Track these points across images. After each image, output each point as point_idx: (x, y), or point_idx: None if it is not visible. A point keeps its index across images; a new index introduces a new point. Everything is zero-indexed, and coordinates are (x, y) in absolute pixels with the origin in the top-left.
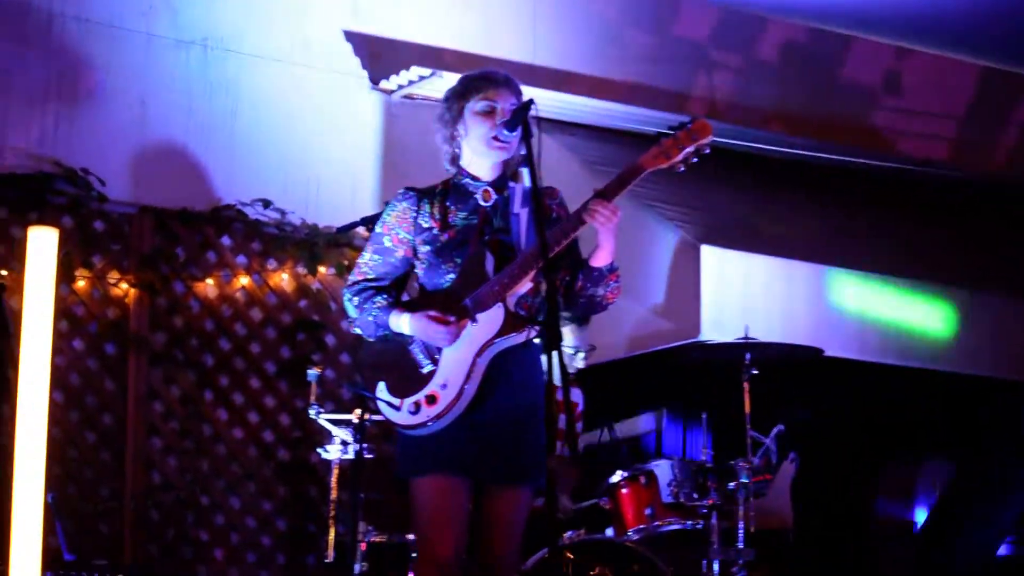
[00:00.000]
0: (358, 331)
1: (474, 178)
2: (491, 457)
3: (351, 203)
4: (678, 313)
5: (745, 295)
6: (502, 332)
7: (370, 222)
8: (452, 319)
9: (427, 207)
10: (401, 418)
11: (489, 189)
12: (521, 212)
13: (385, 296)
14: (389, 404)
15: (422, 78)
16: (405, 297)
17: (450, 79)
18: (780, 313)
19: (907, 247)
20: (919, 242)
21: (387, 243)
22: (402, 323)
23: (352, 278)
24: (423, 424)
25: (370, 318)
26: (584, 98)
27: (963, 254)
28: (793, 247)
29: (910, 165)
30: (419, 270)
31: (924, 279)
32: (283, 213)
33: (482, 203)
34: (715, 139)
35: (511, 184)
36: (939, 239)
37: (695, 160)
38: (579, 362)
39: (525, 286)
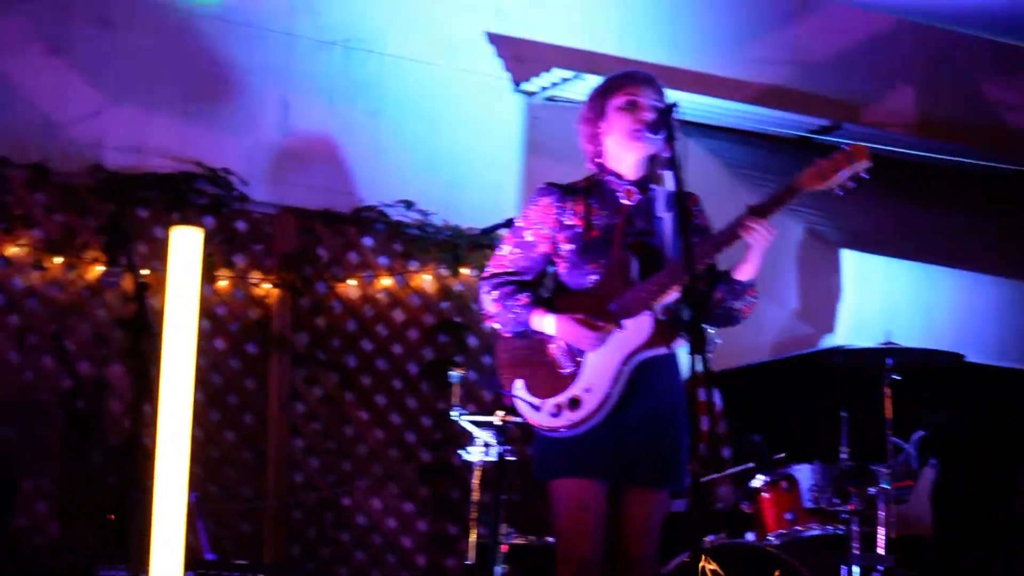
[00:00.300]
0: (496, 326)
1: (617, 176)
2: (630, 460)
3: (494, 204)
4: (818, 318)
5: (886, 300)
6: (651, 343)
7: (512, 223)
8: (601, 325)
9: (571, 204)
10: (541, 419)
11: (632, 188)
12: (665, 216)
13: (528, 293)
14: (529, 404)
15: (565, 80)
16: (543, 294)
17: (592, 81)
18: (921, 318)
19: None
20: None
21: (528, 237)
22: (546, 324)
23: (490, 270)
24: (565, 427)
25: (511, 315)
26: (726, 101)
27: None
28: (934, 252)
29: None
30: (559, 268)
31: None
32: (425, 214)
33: (625, 202)
34: (856, 142)
35: (653, 187)
36: None
37: (852, 185)
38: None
39: (672, 295)
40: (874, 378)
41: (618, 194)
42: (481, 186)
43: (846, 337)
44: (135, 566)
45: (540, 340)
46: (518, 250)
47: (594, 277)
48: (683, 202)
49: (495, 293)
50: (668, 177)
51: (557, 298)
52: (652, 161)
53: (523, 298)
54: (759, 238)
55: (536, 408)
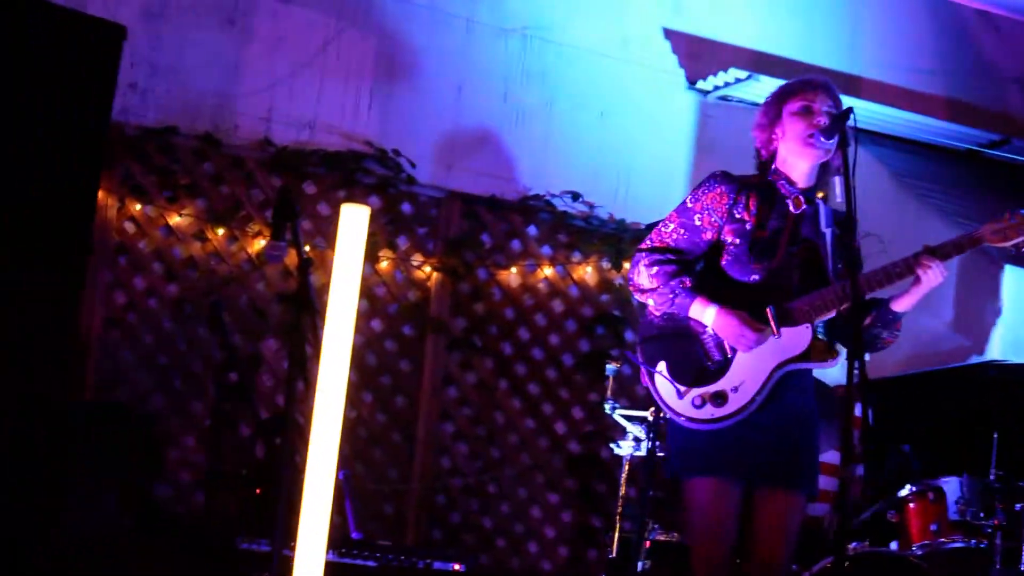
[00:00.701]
0: (649, 302)
1: (789, 182)
2: (766, 461)
3: (660, 201)
4: (974, 332)
5: None
6: (806, 356)
7: None
8: (762, 327)
9: (744, 198)
10: (682, 407)
11: (800, 197)
12: (827, 231)
13: (691, 277)
14: (675, 388)
15: (739, 80)
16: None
17: (767, 83)
18: None
19: None
20: None
21: (697, 221)
22: (707, 314)
23: (650, 243)
24: (706, 420)
25: (670, 295)
26: (898, 110)
27: None
28: None
29: None
30: (722, 260)
31: None
32: (591, 207)
33: (792, 210)
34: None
35: (819, 201)
36: None
37: None
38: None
39: (831, 314)
40: None
41: (788, 201)
42: (649, 181)
43: (1003, 353)
44: (279, 541)
45: (690, 326)
46: (683, 231)
47: (756, 277)
48: (852, 214)
49: (655, 269)
50: (838, 184)
51: (717, 290)
52: (823, 171)
53: (687, 281)
54: (931, 278)
55: (680, 395)
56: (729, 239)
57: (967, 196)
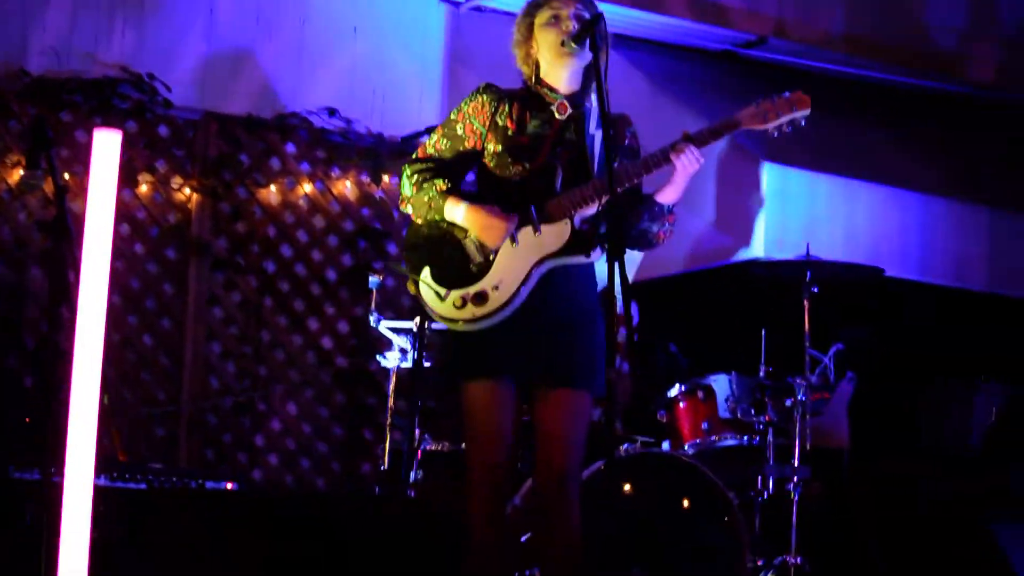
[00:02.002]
0: (409, 210)
1: (552, 89)
2: (538, 360)
3: (417, 113)
4: (739, 230)
5: (807, 214)
6: (566, 250)
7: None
8: (508, 217)
9: (506, 107)
10: (444, 309)
11: (565, 102)
12: (596, 133)
13: (445, 180)
14: (435, 293)
15: None
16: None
17: None
18: (842, 232)
19: (976, 172)
20: (988, 167)
21: (459, 130)
22: (457, 212)
23: (415, 156)
24: (468, 320)
25: (425, 198)
26: (651, 13)
27: None
28: (857, 167)
29: (975, 88)
30: (485, 166)
31: (987, 202)
32: (348, 122)
33: (557, 115)
34: (780, 56)
35: (588, 104)
36: (1005, 162)
37: (789, 130)
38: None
39: (592, 209)
40: (793, 291)
41: (552, 107)
42: (405, 95)
43: (766, 250)
44: (48, 468)
45: (452, 230)
46: (446, 141)
47: (515, 181)
48: (607, 118)
49: (415, 177)
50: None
51: (478, 193)
52: (587, 76)
53: (440, 184)
54: (687, 164)
55: (441, 298)
56: (491, 146)
57: (724, 98)
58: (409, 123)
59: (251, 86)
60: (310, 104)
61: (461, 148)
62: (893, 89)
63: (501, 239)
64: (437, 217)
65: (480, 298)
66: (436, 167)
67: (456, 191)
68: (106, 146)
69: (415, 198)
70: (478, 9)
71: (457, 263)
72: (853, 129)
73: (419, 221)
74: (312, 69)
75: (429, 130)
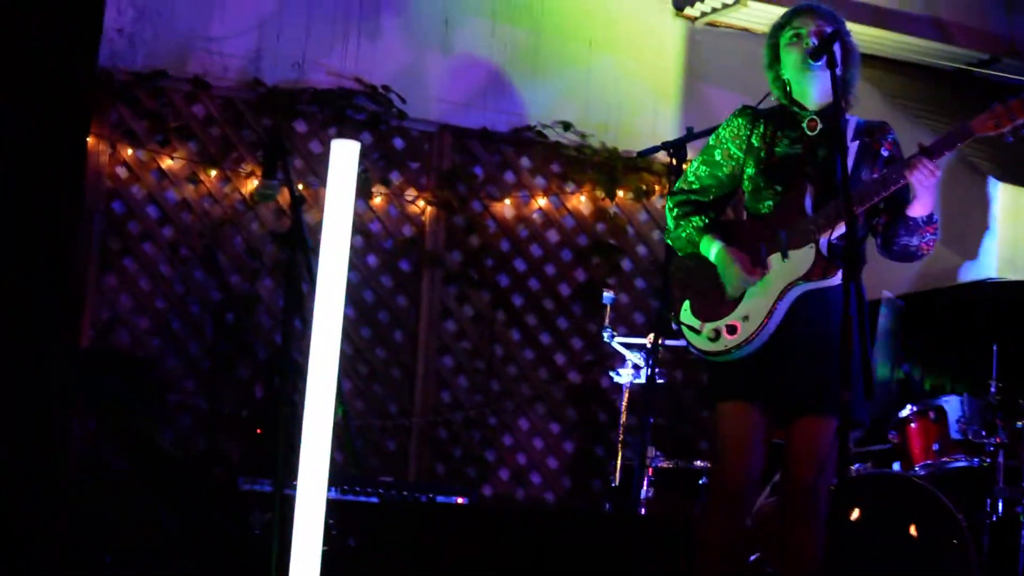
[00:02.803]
0: (671, 243)
1: (801, 107)
2: (792, 386)
3: (652, 128)
4: (968, 249)
5: None
6: (810, 275)
7: (671, 147)
8: (755, 270)
9: (761, 128)
10: (699, 342)
11: (815, 119)
12: (851, 145)
13: (704, 216)
14: (690, 327)
15: (725, 5)
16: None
17: (753, 7)
18: None
19: None
20: None
21: (717, 156)
22: (712, 251)
23: (677, 186)
24: (721, 352)
25: (684, 234)
26: (886, 31)
27: None
28: None
29: None
30: (744, 192)
31: None
32: (583, 136)
33: (808, 132)
34: (1013, 76)
35: (848, 116)
36: None
37: None
38: None
39: (840, 229)
40: None
41: (802, 124)
42: (640, 109)
43: (999, 270)
44: (280, 480)
45: (710, 265)
46: (705, 168)
47: (769, 204)
48: (841, 134)
49: (676, 211)
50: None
51: (735, 223)
52: (844, 89)
53: (698, 222)
54: (923, 178)
55: (695, 331)
56: (749, 170)
57: (957, 116)
58: (643, 138)
59: (486, 99)
60: (545, 118)
61: (719, 175)
62: None
63: (738, 289)
64: (697, 252)
65: (731, 330)
66: (695, 200)
67: (714, 226)
68: (344, 156)
69: (675, 234)
70: (713, 25)
71: (713, 297)
72: None
73: (682, 254)
74: (547, 83)
75: (665, 145)
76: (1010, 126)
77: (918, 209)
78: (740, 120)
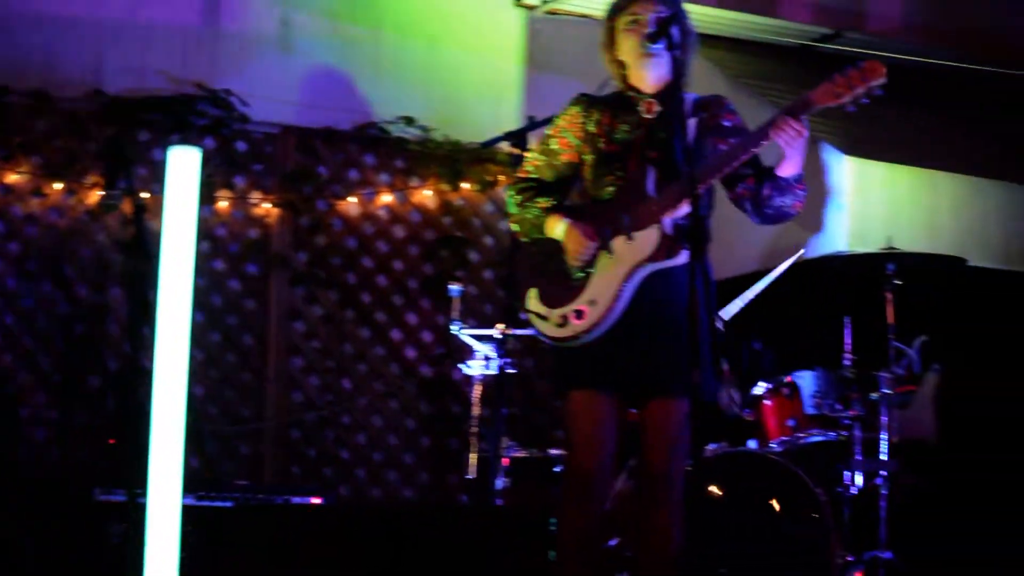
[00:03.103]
0: (515, 228)
1: (637, 91)
2: (641, 370)
3: (494, 119)
4: (818, 225)
5: (888, 206)
6: (655, 256)
7: (513, 137)
8: (592, 244)
9: (597, 114)
10: (548, 329)
11: (652, 101)
12: (689, 122)
13: (549, 198)
14: (538, 315)
15: None
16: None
17: None
18: (924, 224)
19: None
20: None
21: (553, 145)
22: (558, 229)
23: (517, 176)
24: (569, 338)
25: (529, 216)
26: (726, 11)
27: None
28: (936, 157)
29: None
30: (585, 180)
31: None
32: (426, 130)
33: (645, 115)
34: (857, 50)
35: (684, 94)
36: None
37: (865, 101)
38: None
39: (685, 208)
40: (876, 284)
41: (639, 108)
42: (482, 101)
43: (848, 244)
44: (133, 489)
45: (556, 249)
46: (543, 157)
47: (611, 189)
48: (682, 120)
49: (518, 197)
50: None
51: (579, 207)
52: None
53: (542, 202)
54: (789, 138)
55: (543, 318)
56: (587, 157)
57: (803, 92)
58: (486, 129)
59: (328, 98)
60: (388, 114)
61: (557, 163)
62: (971, 78)
63: (583, 260)
64: (542, 236)
65: (579, 315)
66: (539, 185)
67: (559, 208)
68: (182, 162)
69: (520, 217)
70: (553, 13)
71: (560, 282)
72: (932, 120)
73: (526, 240)
74: (389, 79)
75: (508, 135)
76: (850, 95)
77: (788, 168)
78: (576, 108)
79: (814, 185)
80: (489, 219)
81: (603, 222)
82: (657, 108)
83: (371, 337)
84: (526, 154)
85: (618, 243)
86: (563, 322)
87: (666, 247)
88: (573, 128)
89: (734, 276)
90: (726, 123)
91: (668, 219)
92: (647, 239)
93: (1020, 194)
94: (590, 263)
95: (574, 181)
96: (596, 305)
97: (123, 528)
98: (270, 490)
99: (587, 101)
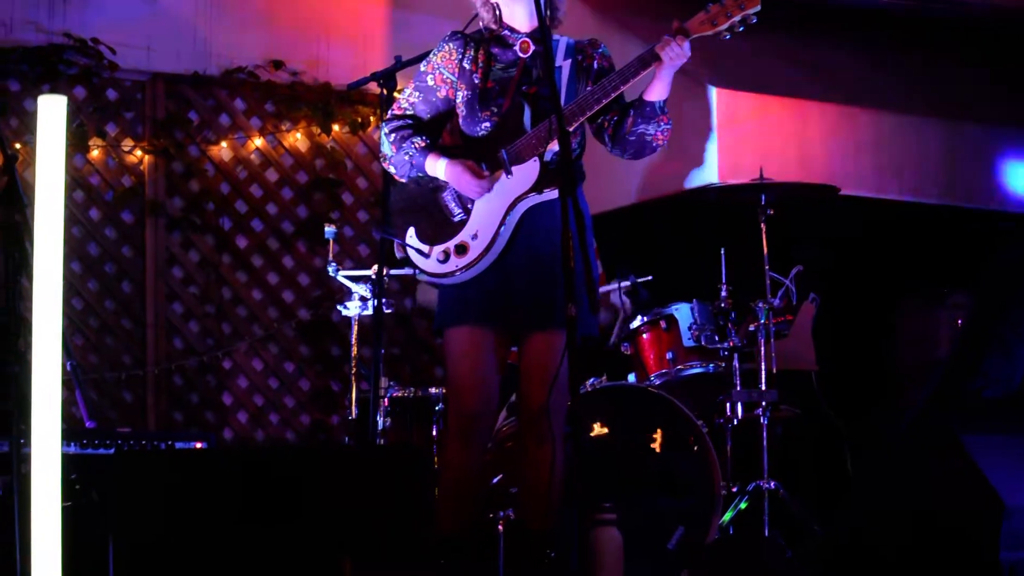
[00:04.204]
0: (392, 169)
1: (512, 30)
2: (521, 305)
3: (363, 60)
4: (690, 157)
5: (759, 137)
6: (536, 187)
7: (381, 77)
8: (486, 172)
9: (472, 51)
10: (429, 265)
11: (528, 40)
12: (563, 64)
13: (423, 136)
14: (418, 251)
15: None
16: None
17: None
18: (795, 154)
19: (927, 84)
20: (939, 79)
21: (430, 81)
22: (438, 168)
23: (391, 113)
24: (451, 273)
25: (406, 156)
26: None
27: (986, 88)
28: (806, 87)
29: (927, 2)
30: (459, 116)
31: (942, 116)
32: (295, 73)
33: (520, 55)
34: None
35: (556, 36)
36: (957, 73)
37: (741, 29)
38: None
39: (556, 145)
40: (749, 215)
41: (515, 47)
42: (349, 42)
43: (720, 176)
44: (15, 439)
45: (433, 187)
46: (418, 94)
47: (487, 125)
48: (549, 50)
49: (392, 136)
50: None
51: (454, 145)
52: (549, 9)
53: (419, 141)
54: (673, 55)
55: (425, 255)
56: (461, 94)
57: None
58: (355, 70)
59: (196, 45)
60: (256, 58)
61: (434, 99)
62: (843, 6)
63: (480, 193)
64: (419, 174)
65: (461, 250)
66: (414, 124)
67: (436, 146)
68: (51, 112)
69: (396, 157)
70: None
71: (439, 219)
72: (802, 48)
73: (403, 180)
74: (255, 22)
75: (375, 76)
76: (726, 23)
77: (656, 92)
78: (451, 44)
79: (686, 118)
80: (361, 160)
81: (479, 160)
82: (532, 47)
83: (248, 281)
84: (396, 94)
85: (497, 178)
86: (445, 258)
87: (546, 178)
88: (448, 65)
89: (613, 209)
90: (595, 65)
91: (548, 152)
92: (527, 172)
93: (892, 122)
94: (471, 200)
95: (447, 117)
96: (478, 239)
97: (6, 479)
98: (153, 436)
99: (462, 38)
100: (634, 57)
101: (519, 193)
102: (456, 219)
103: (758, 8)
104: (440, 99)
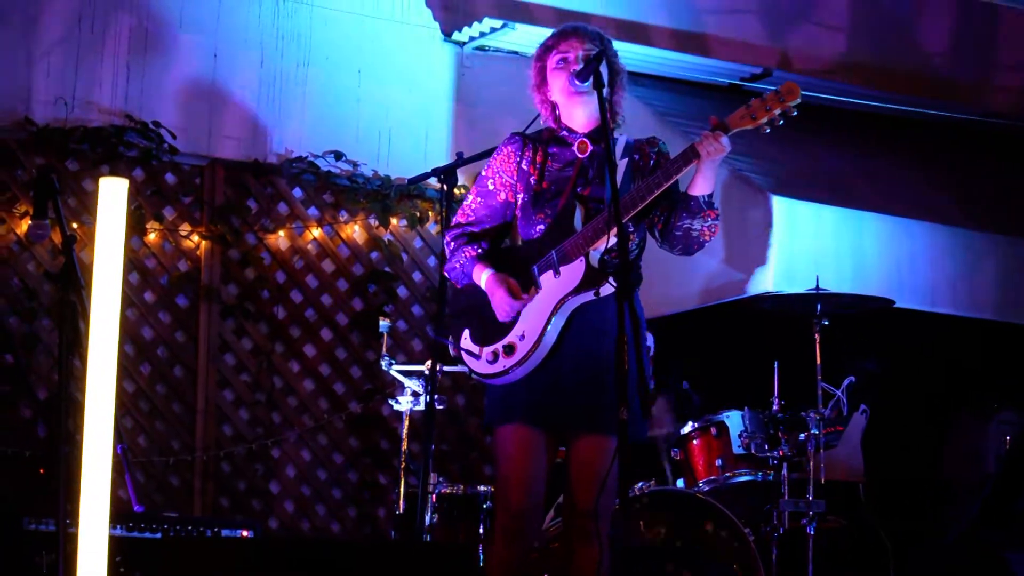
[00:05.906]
0: (448, 276)
1: (570, 130)
2: (570, 406)
3: (423, 155)
4: (748, 265)
5: (816, 246)
6: (580, 287)
7: (442, 173)
8: (525, 296)
9: (531, 152)
10: (480, 366)
11: (585, 140)
12: (621, 163)
13: (475, 245)
14: (469, 352)
15: (494, 30)
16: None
17: (522, 30)
18: (851, 264)
19: (983, 199)
20: (995, 194)
21: (490, 186)
22: (482, 279)
23: (455, 220)
24: (501, 373)
25: (458, 265)
26: (655, 49)
27: None
28: (864, 198)
29: (985, 117)
30: (518, 217)
31: (998, 231)
32: (355, 165)
33: (578, 155)
34: (786, 80)
35: (617, 136)
36: (1012, 188)
37: (781, 123)
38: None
39: (611, 242)
40: (804, 324)
41: (573, 147)
42: (411, 136)
43: (776, 284)
44: (63, 519)
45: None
46: (480, 199)
47: (541, 227)
48: (610, 148)
49: (452, 244)
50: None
51: (509, 249)
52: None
53: (470, 251)
54: (711, 149)
55: (475, 356)
56: (520, 196)
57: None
58: (415, 165)
59: (257, 131)
60: (316, 148)
61: (494, 203)
62: (899, 119)
63: (507, 315)
64: (471, 281)
65: (509, 350)
66: (471, 231)
67: (487, 255)
68: (112, 194)
69: (449, 265)
70: (481, 49)
71: (490, 322)
72: (860, 159)
73: (459, 287)
74: (317, 113)
75: (435, 172)
76: (765, 118)
77: (699, 187)
78: (510, 147)
79: (746, 225)
80: (418, 255)
81: (531, 262)
82: (590, 147)
83: (300, 371)
84: (457, 190)
85: (546, 279)
86: (494, 358)
87: (592, 279)
88: (507, 168)
89: (673, 314)
90: (652, 164)
91: (594, 252)
92: (573, 272)
93: (947, 235)
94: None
95: (509, 223)
96: (525, 339)
97: (52, 558)
98: (199, 522)
99: (521, 139)
100: (674, 157)
101: (565, 293)
102: (506, 321)
103: (798, 101)
104: (500, 203)
